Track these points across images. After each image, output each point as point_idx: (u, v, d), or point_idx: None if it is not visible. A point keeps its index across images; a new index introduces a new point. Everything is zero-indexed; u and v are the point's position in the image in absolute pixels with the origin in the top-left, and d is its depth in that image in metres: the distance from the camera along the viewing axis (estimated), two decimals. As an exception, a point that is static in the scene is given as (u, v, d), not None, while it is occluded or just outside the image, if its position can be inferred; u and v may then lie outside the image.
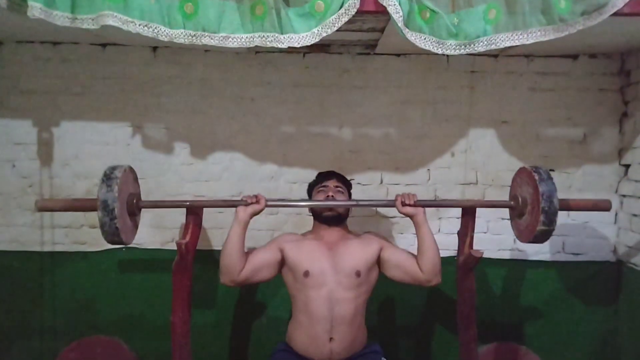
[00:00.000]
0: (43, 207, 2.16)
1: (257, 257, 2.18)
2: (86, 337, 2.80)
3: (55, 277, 2.84)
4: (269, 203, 2.15)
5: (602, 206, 2.25)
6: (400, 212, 2.16)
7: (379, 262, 2.24)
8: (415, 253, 2.19)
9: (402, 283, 2.24)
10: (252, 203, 2.11)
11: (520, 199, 2.18)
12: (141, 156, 2.83)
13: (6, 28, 2.52)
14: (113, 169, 1.99)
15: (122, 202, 1.98)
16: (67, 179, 2.83)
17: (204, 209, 2.26)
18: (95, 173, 2.81)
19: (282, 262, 2.22)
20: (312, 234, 2.32)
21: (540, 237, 2.09)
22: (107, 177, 1.94)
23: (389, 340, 2.88)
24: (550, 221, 2.02)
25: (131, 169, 2.14)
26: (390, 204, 2.19)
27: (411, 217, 2.15)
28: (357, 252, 2.20)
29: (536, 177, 2.05)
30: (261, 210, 2.13)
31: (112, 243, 2.02)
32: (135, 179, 2.19)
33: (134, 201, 2.09)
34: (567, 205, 2.18)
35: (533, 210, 2.08)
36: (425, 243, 2.13)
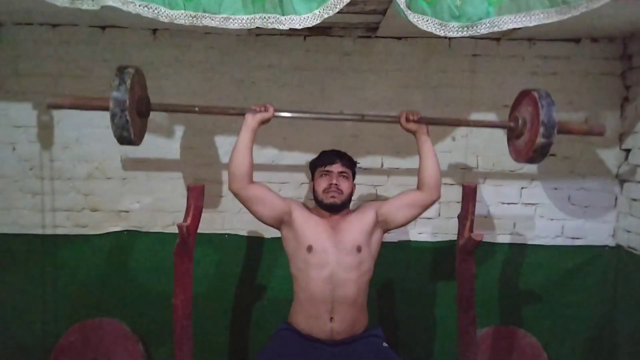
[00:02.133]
0: (52, 104, 2.18)
1: (268, 190, 2.21)
2: (88, 319, 2.82)
3: (57, 260, 2.85)
4: (277, 113, 2.18)
5: (596, 130, 2.31)
6: (404, 128, 2.23)
7: (381, 223, 2.25)
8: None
9: (413, 218, 2.27)
10: (261, 111, 2.15)
11: (520, 120, 2.23)
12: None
13: (5, 10, 2.50)
14: (126, 65, 2.03)
15: (133, 97, 2.01)
16: (67, 161, 2.83)
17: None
18: (96, 156, 2.82)
19: (284, 220, 2.21)
20: (317, 211, 2.31)
21: (540, 152, 2.13)
22: (121, 72, 1.98)
23: (389, 322, 2.91)
24: (549, 134, 2.07)
25: (142, 72, 2.17)
26: (395, 120, 2.24)
27: (414, 132, 2.22)
28: (356, 226, 2.21)
29: (536, 95, 2.12)
30: (269, 119, 2.17)
31: (121, 139, 2.03)
32: (145, 84, 2.21)
33: (144, 102, 2.14)
34: (564, 125, 2.22)
35: (532, 127, 2.14)
36: (428, 158, 2.19)
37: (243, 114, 2.16)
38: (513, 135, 2.30)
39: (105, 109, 1.98)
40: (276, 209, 2.19)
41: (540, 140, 2.07)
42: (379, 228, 2.26)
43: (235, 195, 2.16)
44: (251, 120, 2.13)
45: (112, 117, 1.96)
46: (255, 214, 2.21)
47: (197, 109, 2.23)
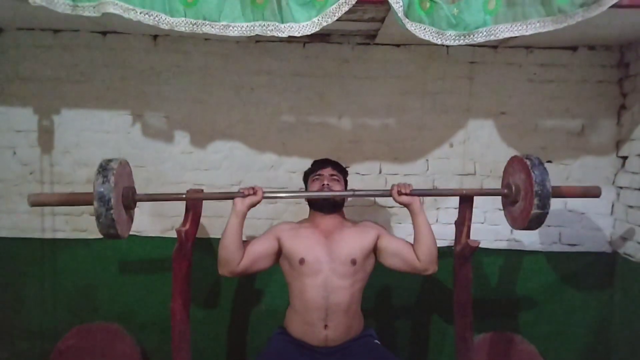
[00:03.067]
0: (36, 202, 2.09)
1: (254, 248, 2.20)
2: (86, 323, 2.83)
3: (56, 264, 2.86)
4: (267, 195, 2.16)
5: (592, 192, 2.29)
6: (396, 202, 2.18)
7: (376, 250, 2.26)
8: (412, 242, 2.21)
9: (399, 272, 2.26)
10: (249, 195, 2.11)
11: (513, 187, 2.20)
12: (141, 144, 2.84)
13: (7, 15, 2.52)
14: (109, 161, 1.97)
15: (118, 193, 1.96)
16: (67, 166, 2.84)
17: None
18: (96, 161, 2.76)
19: (280, 252, 2.24)
20: (309, 222, 2.34)
21: (535, 221, 2.11)
22: (103, 169, 1.93)
23: (385, 328, 2.92)
24: (544, 204, 2.05)
25: (126, 162, 2.11)
26: (386, 193, 2.20)
27: (407, 206, 2.17)
28: (353, 240, 2.22)
29: (528, 164, 2.09)
30: (258, 202, 2.14)
31: (108, 236, 1.97)
32: (130, 173, 2.17)
33: (130, 194, 2.07)
34: (559, 192, 2.21)
35: (526, 195, 2.11)
36: (421, 232, 2.16)
37: (232, 199, 2.13)
38: (508, 202, 2.27)
39: (92, 203, 1.90)
40: (270, 255, 2.22)
41: (535, 211, 2.05)
42: (373, 253, 2.27)
43: (229, 277, 2.18)
44: (240, 205, 2.10)
45: (97, 217, 1.89)
46: (258, 272, 2.26)
47: (183, 195, 2.22)
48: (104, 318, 2.85)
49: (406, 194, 2.15)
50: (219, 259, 2.14)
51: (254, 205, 2.13)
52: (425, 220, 2.17)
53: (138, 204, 2.84)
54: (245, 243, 2.19)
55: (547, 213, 2.07)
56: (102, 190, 1.88)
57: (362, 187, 2.88)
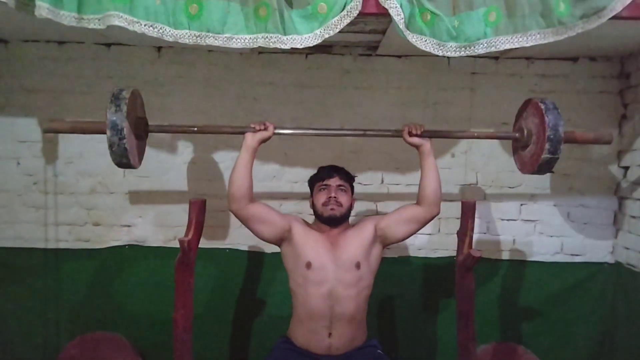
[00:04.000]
0: (50, 129, 2.14)
1: (268, 209, 2.21)
2: (89, 333, 2.83)
3: (59, 274, 2.86)
4: (277, 131, 2.16)
5: (604, 139, 2.27)
6: (407, 142, 2.19)
7: (380, 237, 2.25)
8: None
9: (412, 232, 2.25)
10: (260, 130, 2.13)
11: (525, 131, 2.20)
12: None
13: (12, 27, 2.55)
14: (121, 90, 1.99)
15: (131, 122, 1.99)
16: (71, 176, 2.86)
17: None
18: (99, 171, 2.85)
19: (284, 237, 2.22)
20: (317, 226, 2.31)
21: (545, 166, 2.11)
22: (116, 98, 1.94)
23: (389, 338, 2.91)
24: (555, 149, 2.04)
25: (138, 92, 2.13)
26: (398, 134, 2.21)
27: (417, 147, 2.18)
28: (355, 242, 2.21)
29: (542, 107, 2.07)
30: (269, 137, 2.15)
31: (120, 165, 2.02)
32: (142, 104, 2.19)
33: (142, 124, 2.11)
34: (571, 137, 2.19)
35: (538, 139, 2.10)
36: (429, 174, 2.17)
37: (243, 133, 2.15)
38: (518, 146, 2.28)
39: (104, 132, 1.95)
40: (276, 226, 2.20)
41: (546, 156, 2.06)
42: (378, 243, 2.25)
43: (235, 215, 2.17)
44: (251, 140, 2.12)
45: (110, 145, 1.93)
46: (255, 233, 2.22)
47: (195, 128, 2.25)
48: (106, 328, 2.85)
49: (417, 135, 2.16)
50: (228, 194, 2.13)
51: (264, 140, 2.15)
52: (433, 163, 2.18)
53: (141, 215, 2.89)
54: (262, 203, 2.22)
55: (558, 158, 2.07)
56: (115, 119, 1.90)
57: (364, 197, 2.89)
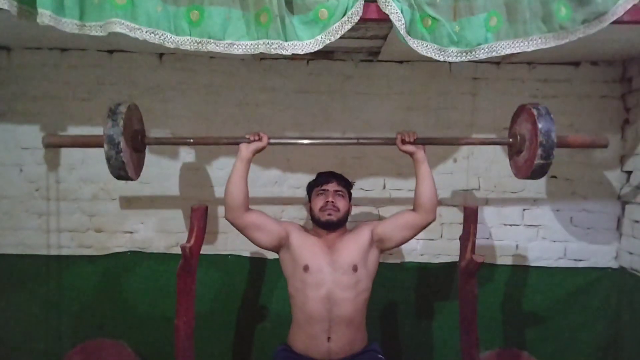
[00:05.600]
0: (50, 143, 2.17)
1: (264, 217, 2.23)
2: (91, 340, 2.82)
3: (61, 281, 2.86)
4: (272, 141, 2.18)
5: (599, 143, 2.27)
6: (401, 150, 2.20)
7: (377, 242, 2.25)
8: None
9: (408, 238, 2.26)
10: (254, 140, 2.15)
11: (518, 136, 2.21)
12: (147, 161, 2.81)
13: (15, 34, 2.56)
14: (118, 105, 2.03)
15: (127, 136, 2.02)
16: (73, 183, 2.87)
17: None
18: (101, 177, 2.85)
19: (282, 244, 2.24)
20: (314, 232, 2.33)
21: (538, 172, 2.12)
22: (113, 112, 1.98)
23: (391, 344, 2.90)
24: (548, 155, 2.05)
25: (135, 106, 2.16)
26: (391, 142, 2.22)
27: (411, 154, 2.20)
28: (352, 246, 2.22)
29: (535, 113, 2.08)
30: (264, 147, 2.17)
31: (119, 177, 2.06)
32: (140, 117, 2.22)
33: (139, 137, 2.14)
34: (565, 141, 2.20)
35: (531, 145, 2.11)
36: (424, 181, 2.18)
37: (237, 144, 2.16)
38: (513, 151, 2.29)
39: (102, 146, 1.99)
40: (273, 234, 2.21)
41: (538, 161, 2.07)
42: (375, 247, 2.26)
43: (232, 223, 2.18)
44: (245, 151, 2.14)
45: (108, 159, 1.97)
46: (252, 240, 2.23)
47: (191, 140, 2.29)
48: (108, 334, 2.85)
49: (410, 143, 2.17)
50: (225, 204, 2.15)
51: (259, 150, 2.17)
52: (428, 170, 2.19)
53: (143, 221, 2.89)
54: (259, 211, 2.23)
55: (551, 163, 2.08)
56: (112, 133, 1.95)
57: (366, 203, 2.89)
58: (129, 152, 2.04)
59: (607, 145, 2.27)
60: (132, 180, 2.14)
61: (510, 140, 2.27)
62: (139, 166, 2.23)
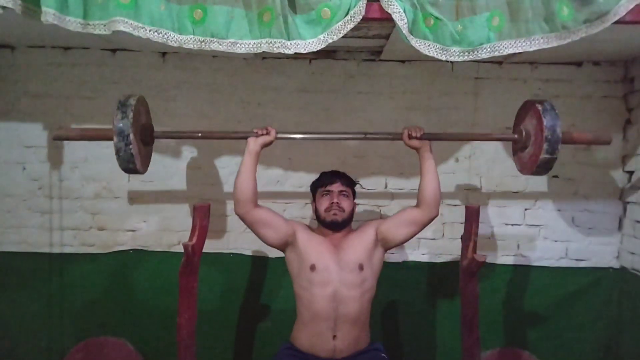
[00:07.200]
0: (58, 136, 2.19)
1: (272, 214, 2.24)
2: (93, 337, 2.84)
3: (64, 279, 2.87)
4: (279, 135, 2.19)
5: (603, 139, 2.27)
6: (407, 145, 2.21)
7: (381, 241, 2.27)
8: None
9: (412, 235, 2.27)
10: (262, 134, 2.16)
11: (524, 132, 2.22)
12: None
13: (18, 33, 2.57)
14: (128, 97, 2.04)
15: (136, 129, 2.04)
16: (76, 181, 2.87)
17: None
18: (104, 176, 2.86)
19: (289, 242, 2.25)
20: (320, 231, 2.34)
21: (544, 167, 2.12)
22: (122, 105, 2.00)
23: (393, 343, 2.90)
24: (553, 150, 2.06)
25: (144, 99, 2.18)
26: (397, 137, 2.23)
27: (417, 149, 2.21)
28: (358, 245, 2.23)
29: (540, 109, 2.09)
30: (271, 142, 2.18)
31: (127, 170, 2.08)
32: (148, 110, 2.24)
33: (148, 130, 2.16)
34: (569, 137, 2.20)
35: (536, 140, 2.12)
36: (429, 177, 2.19)
37: (245, 138, 2.17)
38: (518, 147, 2.30)
39: (112, 139, 2.00)
40: (281, 231, 2.22)
41: (544, 156, 2.07)
42: (380, 246, 2.28)
43: (241, 218, 2.19)
44: (253, 145, 2.15)
45: (117, 151, 1.99)
46: (260, 237, 2.24)
47: (199, 134, 2.29)
48: (110, 332, 2.86)
49: (417, 138, 2.18)
50: (234, 198, 2.16)
51: (266, 144, 2.18)
52: (433, 165, 2.20)
53: (146, 219, 2.90)
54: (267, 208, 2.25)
55: (556, 159, 2.08)
56: (121, 125, 1.97)
57: (368, 202, 2.89)
58: (137, 145, 2.06)
59: (610, 141, 2.27)
60: (140, 173, 2.14)
61: (516, 136, 2.28)
62: (147, 160, 2.24)
